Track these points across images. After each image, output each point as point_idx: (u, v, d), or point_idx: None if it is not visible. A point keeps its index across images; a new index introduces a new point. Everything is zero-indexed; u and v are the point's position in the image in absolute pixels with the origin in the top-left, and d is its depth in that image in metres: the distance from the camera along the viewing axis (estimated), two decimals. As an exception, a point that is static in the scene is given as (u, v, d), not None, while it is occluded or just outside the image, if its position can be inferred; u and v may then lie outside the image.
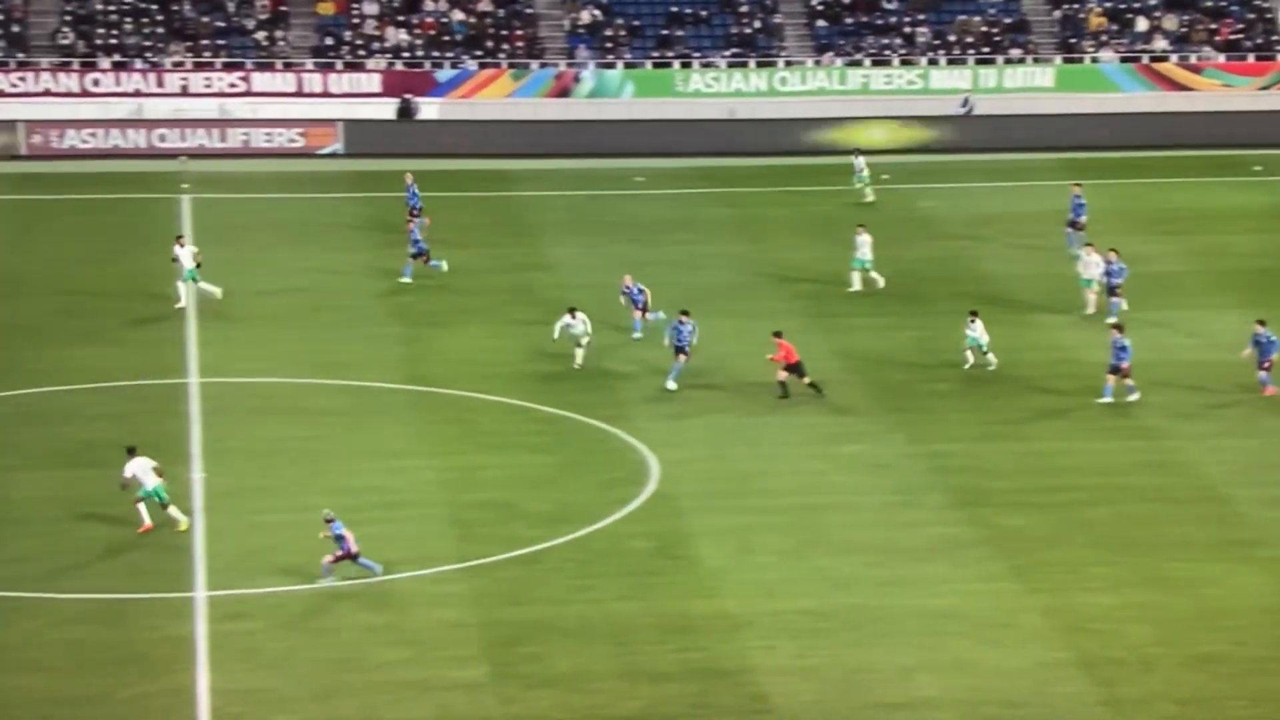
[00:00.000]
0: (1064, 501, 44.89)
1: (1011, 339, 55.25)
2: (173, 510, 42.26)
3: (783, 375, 50.55)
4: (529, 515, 43.91)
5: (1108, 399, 50.54)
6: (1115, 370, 50.48)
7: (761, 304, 59.26)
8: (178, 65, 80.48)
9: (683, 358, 51.10)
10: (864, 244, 60.21)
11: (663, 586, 40.64)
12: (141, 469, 42.24)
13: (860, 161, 71.73)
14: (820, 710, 35.87)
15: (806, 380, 50.73)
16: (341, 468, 46.36)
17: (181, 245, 56.98)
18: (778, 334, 51.06)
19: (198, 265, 56.73)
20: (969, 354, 53.04)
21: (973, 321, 52.88)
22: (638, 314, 54.80)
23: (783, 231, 67.72)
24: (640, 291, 55.13)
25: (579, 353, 52.31)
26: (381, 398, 50.91)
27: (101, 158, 76.29)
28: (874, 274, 60.21)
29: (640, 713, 35.74)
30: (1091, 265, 57.88)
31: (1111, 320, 54.83)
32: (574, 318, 52.23)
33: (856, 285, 60.13)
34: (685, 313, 51.29)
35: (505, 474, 46.22)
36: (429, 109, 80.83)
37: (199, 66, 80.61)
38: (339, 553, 39.96)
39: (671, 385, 50.89)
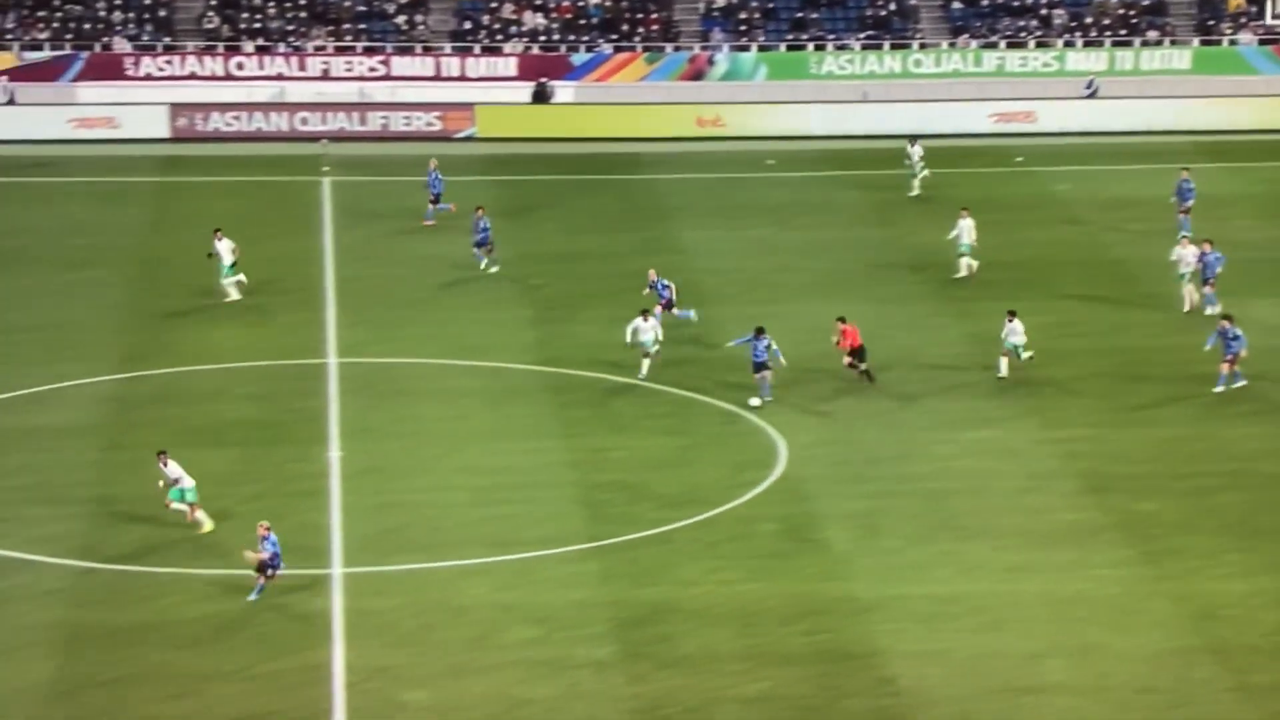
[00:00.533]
0: (1195, 488, 44.48)
1: (1143, 324, 54.75)
2: (199, 513, 41.85)
3: (848, 360, 50.25)
4: (658, 496, 44.03)
5: (1220, 388, 49.89)
6: (1229, 360, 49.79)
7: (893, 288, 59.05)
8: (319, 49, 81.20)
9: (767, 373, 48.87)
10: (966, 228, 59.61)
11: (790, 569, 40.64)
12: (178, 471, 41.76)
13: (916, 150, 69.60)
14: (947, 694, 35.75)
15: (863, 367, 50.23)
16: (475, 448, 46.66)
17: (220, 239, 56.59)
18: (842, 319, 50.73)
19: (234, 261, 56.42)
20: (1003, 361, 50.65)
21: (1010, 321, 50.73)
22: (659, 309, 53.28)
23: (914, 215, 67.38)
24: (665, 286, 54.01)
25: (645, 364, 50.42)
26: (514, 379, 51.20)
27: (244, 140, 77.11)
28: (971, 260, 59.60)
29: (766, 694, 35.78)
30: (1187, 257, 56.16)
31: (1216, 311, 53.89)
32: (645, 321, 50.62)
33: (963, 271, 59.60)
34: (760, 330, 49.00)
35: (635, 455, 46.37)
36: (564, 92, 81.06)
37: (340, 50, 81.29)
38: (264, 566, 38.65)
39: (756, 402, 48.79)
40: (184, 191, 69.97)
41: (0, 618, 38.04)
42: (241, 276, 56.75)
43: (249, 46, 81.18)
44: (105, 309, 55.99)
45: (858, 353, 50.24)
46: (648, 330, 50.37)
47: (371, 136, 78.00)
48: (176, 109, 77.76)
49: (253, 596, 38.74)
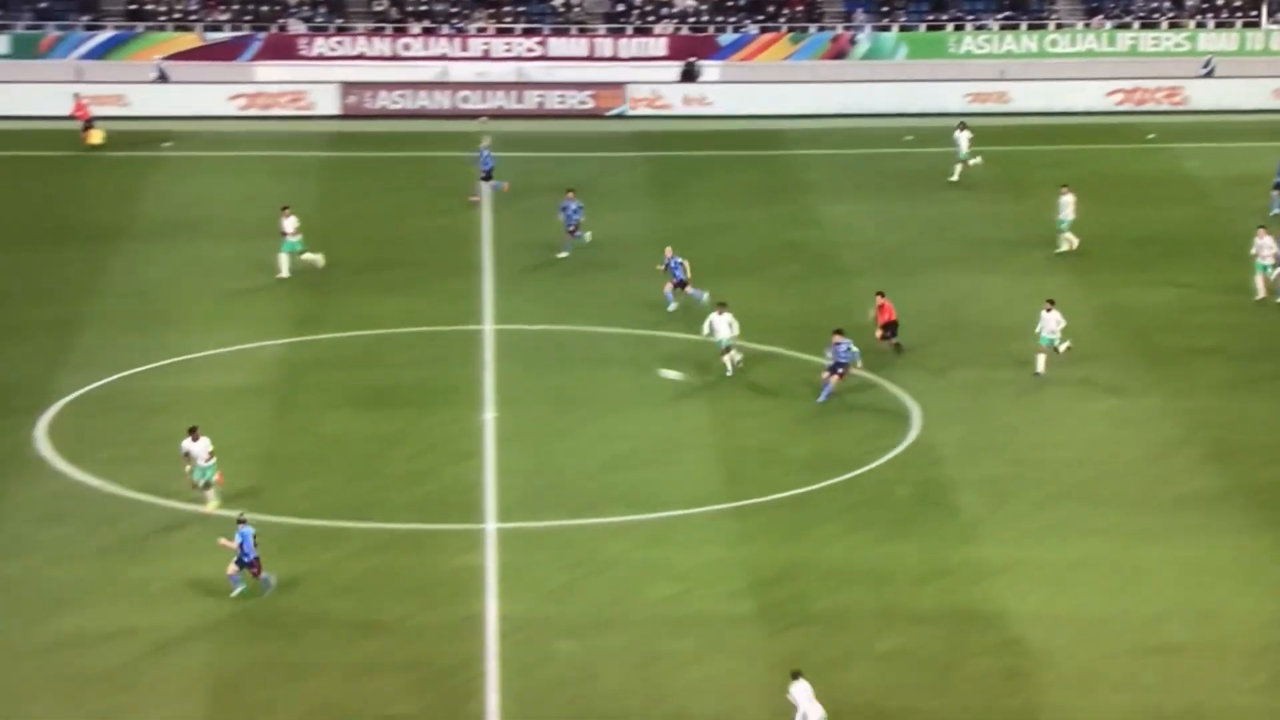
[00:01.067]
0: (1318, 457, 43.81)
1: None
2: (209, 492, 41.05)
3: (880, 334, 49.54)
4: (795, 460, 43.90)
5: None
6: None
7: (1026, 260, 58.43)
8: (481, 31, 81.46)
9: (836, 378, 46.70)
10: (1067, 204, 58.72)
11: (922, 531, 40.43)
12: (200, 450, 40.85)
13: (963, 136, 67.45)
14: (1072, 655, 35.47)
15: (894, 340, 49.47)
16: (621, 412, 46.72)
17: (286, 216, 56.16)
18: (881, 293, 50.02)
19: (299, 236, 55.93)
20: (1040, 358, 48.30)
21: (1047, 311, 48.40)
22: (670, 287, 52.77)
23: (1048, 190, 66.59)
24: (679, 265, 53.03)
25: (726, 361, 48.28)
26: (660, 346, 51.15)
27: (409, 117, 77.52)
28: (1070, 235, 58.72)
29: (898, 650, 35.65)
30: (1264, 248, 54.15)
31: None
32: (721, 315, 48.45)
33: (1063, 246, 58.69)
34: (840, 331, 47.06)
35: (773, 421, 46.26)
36: (711, 71, 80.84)
37: (500, 32, 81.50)
38: (240, 558, 37.25)
39: (821, 400, 46.98)
40: (352, 166, 70.44)
41: (177, 566, 38.60)
42: (317, 258, 56.06)
43: (415, 28, 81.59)
44: (269, 278, 56.41)
45: (891, 326, 49.58)
46: (721, 325, 48.37)
47: (528, 114, 78.17)
48: (347, 87, 78.28)
49: (235, 585, 37.27)
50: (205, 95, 76.94)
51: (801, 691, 32.27)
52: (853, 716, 33.49)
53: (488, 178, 64.01)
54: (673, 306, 53.02)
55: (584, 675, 34.66)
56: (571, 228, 58.34)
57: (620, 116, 78.25)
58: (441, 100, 78.44)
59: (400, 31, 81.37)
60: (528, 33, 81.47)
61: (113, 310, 53.48)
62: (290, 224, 55.93)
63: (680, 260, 53.41)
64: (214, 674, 34.80)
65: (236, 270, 57.11)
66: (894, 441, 44.91)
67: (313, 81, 78.34)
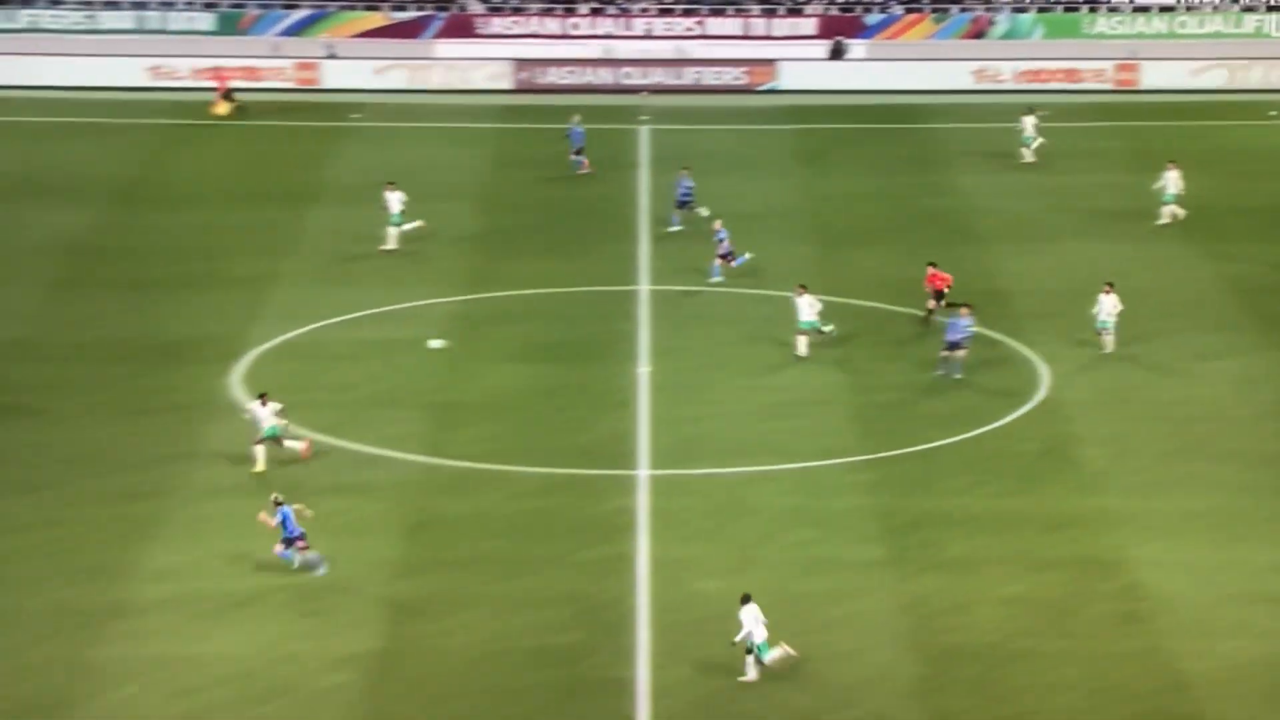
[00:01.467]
0: None
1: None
2: (288, 442, 40.43)
3: (931, 304, 48.42)
4: (928, 416, 43.39)
5: None
6: None
7: (1150, 230, 57.28)
8: (644, 11, 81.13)
9: (960, 353, 44.81)
10: (1172, 179, 57.21)
11: (1048, 484, 39.85)
12: (265, 414, 40.25)
13: (1028, 121, 65.32)
14: (1188, 600, 34.90)
15: (938, 306, 47.85)
16: (765, 368, 46.37)
17: (391, 190, 55.33)
18: (933, 264, 48.89)
19: (403, 210, 54.97)
20: (1108, 340, 46.54)
21: (1106, 294, 46.55)
22: (719, 261, 51.60)
23: (1167, 163, 65.32)
24: (724, 238, 51.66)
25: (800, 341, 46.35)
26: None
27: (575, 92, 77.39)
28: (1175, 208, 57.30)
29: (1022, 595, 35.18)
30: None
31: None
32: (801, 297, 46.52)
33: (1165, 219, 57.09)
34: (966, 305, 45.53)
35: (908, 378, 45.73)
36: (858, 49, 79.96)
37: (662, 12, 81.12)
38: (285, 536, 35.86)
39: (941, 372, 45.14)
40: (523, 137, 70.47)
41: (356, 505, 38.88)
42: (416, 223, 55.06)
43: (583, 9, 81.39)
44: (454, 238, 56.72)
45: (941, 296, 48.40)
46: (804, 307, 46.51)
47: (685, 89, 77.78)
48: (519, 64, 78.32)
49: (289, 561, 35.89)
50: (393, 70, 77.25)
51: (749, 614, 32.34)
52: (976, 656, 33.15)
53: (579, 152, 63.42)
54: (718, 278, 51.98)
55: (727, 612, 34.43)
56: (683, 203, 57.24)
57: (771, 91, 77.64)
58: (605, 76, 78.24)
59: (569, 12, 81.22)
60: (687, 13, 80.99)
61: (305, 267, 53.90)
62: (396, 199, 55.33)
63: (725, 233, 52.43)
64: (386, 605, 35.02)
65: (416, 232, 57.32)
66: (1022, 400, 44.24)
67: (487, 58, 78.42)
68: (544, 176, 63.88)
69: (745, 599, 32.61)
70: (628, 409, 43.80)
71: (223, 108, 71.46)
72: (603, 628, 34.10)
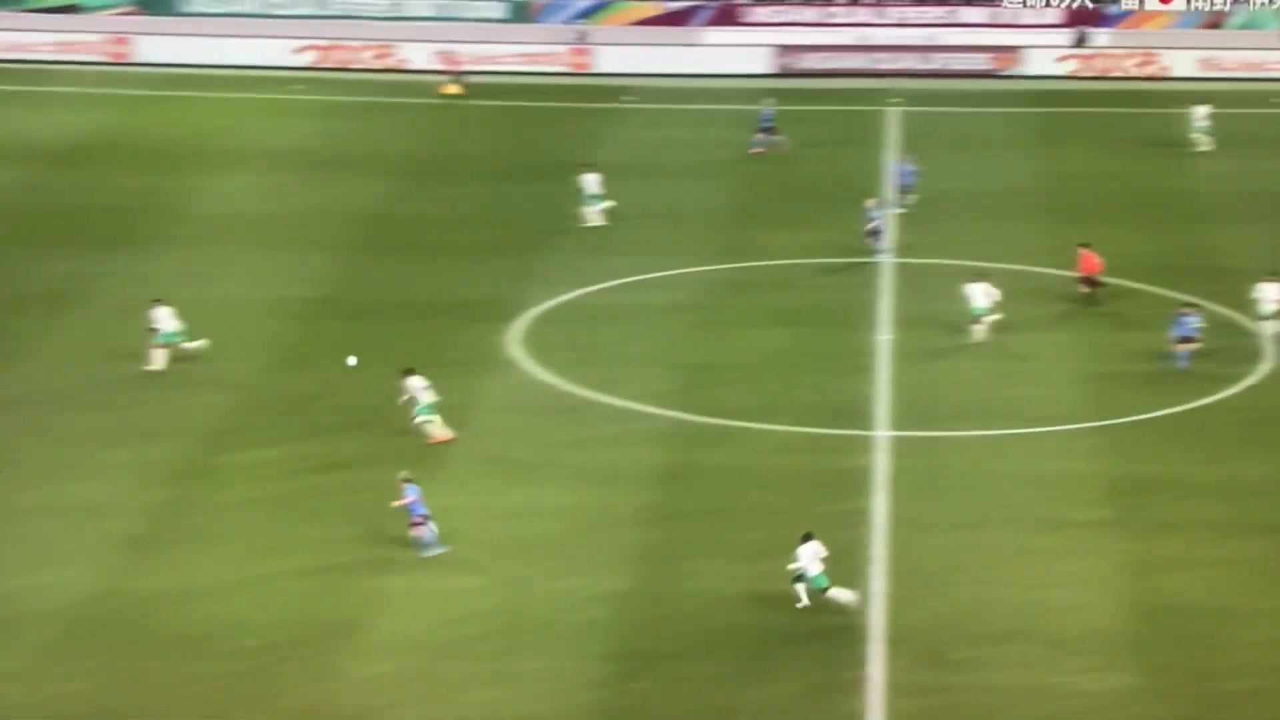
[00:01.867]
0: None
1: None
2: (437, 422, 39.33)
3: (1084, 289, 46.79)
4: (1154, 385, 42.24)
5: None
6: None
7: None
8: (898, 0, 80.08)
9: (1191, 346, 42.85)
10: None
11: (1270, 452, 38.53)
12: (417, 386, 39.34)
13: (1199, 111, 62.82)
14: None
15: (1087, 291, 46.59)
16: (1004, 335, 45.32)
17: (588, 174, 54.72)
18: (1085, 245, 47.09)
19: (599, 191, 54.43)
20: (1266, 325, 44.51)
21: (1271, 281, 44.66)
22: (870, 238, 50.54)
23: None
24: (877, 217, 50.59)
25: (977, 330, 44.71)
26: (1034, 281, 49.58)
27: (830, 76, 76.74)
28: None
29: (1239, 557, 34.25)
30: None
31: None
32: (977, 284, 44.86)
33: None
34: (1191, 305, 43.89)
35: (1134, 349, 44.54)
36: (1100, 38, 77.95)
37: (916, 1, 79.97)
38: (413, 519, 34.71)
39: (1183, 367, 43.11)
40: (784, 119, 69.60)
41: (615, 455, 39.17)
42: (609, 203, 54.43)
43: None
44: (710, 211, 56.70)
45: (1093, 282, 46.90)
46: (979, 295, 44.67)
47: (934, 74, 76.64)
48: (780, 50, 77.98)
49: (433, 551, 34.57)
50: (656, 55, 77.49)
51: (809, 550, 32.41)
52: (1193, 613, 32.37)
53: (768, 133, 62.55)
54: (878, 249, 51.22)
55: (956, 565, 34.14)
56: (903, 189, 56.00)
57: (1015, 76, 76.09)
58: (859, 61, 77.45)
59: (827, 2, 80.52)
60: (939, 2, 79.73)
61: (575, 237, 54.36)
62: (593, 181, 54.92)
63: (879, 213, 51.47)
64: (638, 548, 35.24)
65: (677, 204, 57.52)
66: (1246, 372, 42.84)
67: (751, 45, 78.16)
68: (796, 155, 63.46)
69: (806, 537, 32.72)
70: (868, 373, 43.41)
71: (452, 88, 72.37)
72: (842, 574, 33.81)
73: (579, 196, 54.82)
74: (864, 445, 39.43)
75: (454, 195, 58.86)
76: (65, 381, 42.65)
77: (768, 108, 63.76)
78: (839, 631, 32.01)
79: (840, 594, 32.45)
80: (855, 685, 30.25)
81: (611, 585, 33.66)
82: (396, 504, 34.82)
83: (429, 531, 34.57)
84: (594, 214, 54.63)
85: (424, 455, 38.65)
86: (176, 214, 56.13)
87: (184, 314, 43.99)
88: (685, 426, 40.61)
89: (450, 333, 46.20)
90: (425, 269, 51.31)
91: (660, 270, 51.14)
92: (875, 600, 32.91)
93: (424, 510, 34.52)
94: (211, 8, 78.85)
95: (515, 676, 30.61)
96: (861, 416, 40.92)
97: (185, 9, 78.84)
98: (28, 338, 45.64)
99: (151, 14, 78.43)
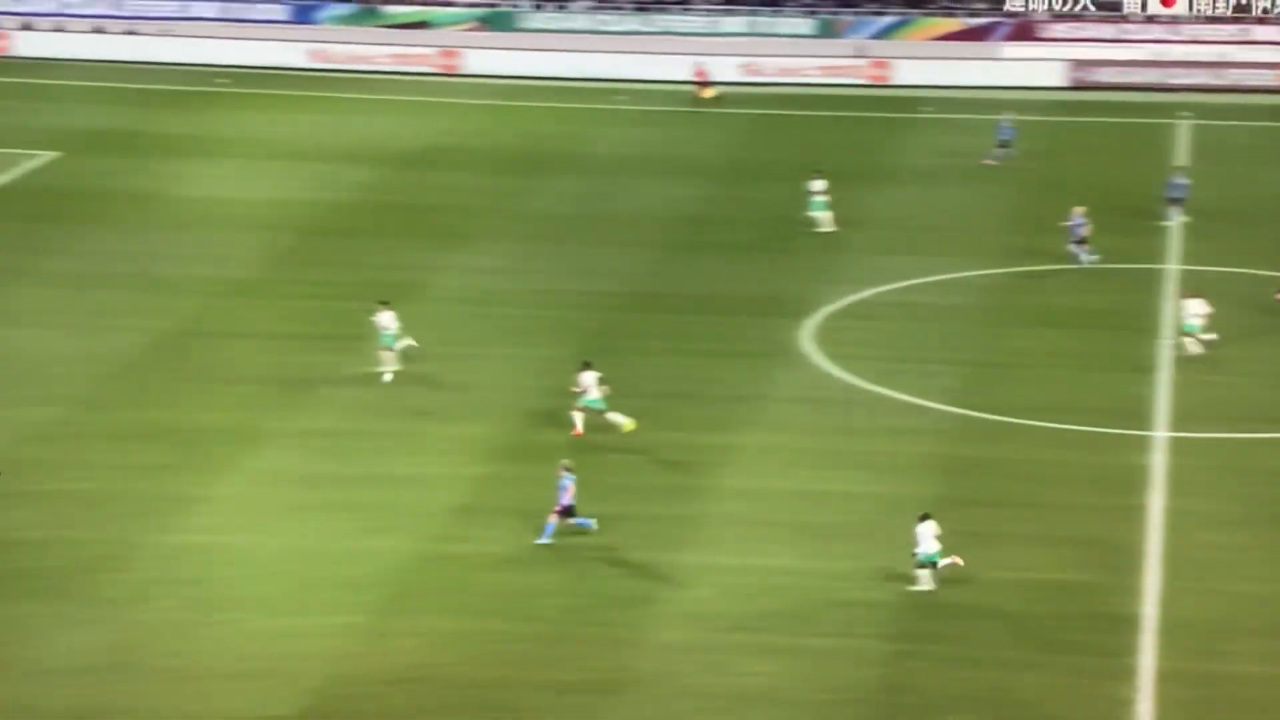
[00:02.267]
0: None
1: None
2: (611, 415, 38.39)
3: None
4: None
5: None
6: None
7: None
8: (1194, 18, 77.25)
9: None
10: None
11: None
12: (591, 381, 38.44)
13: None
14: None
15: None
16: (1273, 342, 43.38)
17: (815, 179, 53.28)
18: None
19: (825, 198, 53.00)
20: (1189, 341, 42.62)
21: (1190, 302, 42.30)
22: (1073, 246, 48.62)
23: None
24: (1080, 225, 48.67)
25: (1187, 343, 42.96)
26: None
27: (1121, 90, 74.50)
28: None
29: None
30: None
31: None
32: (1193, 300, 43.17)
33: None
34: None
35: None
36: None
37: (1210, 20, 77.04)
38: (557, 507, 33.76)
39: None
40: (1075, 129, 68.30)
41: (898, 447, 38.73)
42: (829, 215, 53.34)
43: (1137, 16, 78.12)
44: (998, 216, 55.56)
45: None
46: (1192, 311, 42.84)
47: (1224, 89, 73.84)
48: (1074, 64, 76.12)
49: (542, 539, 33.64)
50: (957, 69, 76.34)
51: (926, 530, 31.86)
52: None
53: (1004, 146, 60.68)
54: (1086, 259, 49.26)
55: (1230, 561, 32.96)
56: (1175, 200, 53.47)
57: (1306, 91, 72.89)
58: (1151, 76, 75.07)
59: (1124, 19, 78.20)
60: (1235, 21, 76.73)
61: (868, 237, 53.83)
62: (819, 185, 53.84)
63: (1083, 220, 49.41)
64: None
65: (966, 208, 56.57)
66: None
67: (1046, 59, 76.45)
68: (1095, 165, 61.77)
69: (924, 517, 31.92)
70: (1146, 374, 42.09)
71: (709, 92, 72.04)
72: (1114, 568, 32.97)
73: (806, 202, 53.99)
74: (1143, 444, 38.26)
75: (758, 196, 58.50)
76: (401, 364, 43.30)
77: (1007, 123, 62.24)
78: (1115, 622, 31.15)
79: (950, 561, 32.02)
80: (1127, 673, 29.32)
81: (893, 569, 33.24)
82: (569, 488, 33.60)
83: (552, 523, 33.62)
84: (824, 219, 53.77)
85: (709, 441, 38.70)
86: (504, 213, 57.19)
87: (503, 302, 44.61)
88: (966, 422, 39.92)
89: (748, 326, 46.20)
90: (727, 265, 51.36)
91: (948, 272, 50.28)
92: (1148, 592, 31.89)
93: (569, 501, 33.64)
94: (549, 25, 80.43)
95: (798, 652, 30.45)
96: (1141, 416, 39.72)
97: (523, 25, 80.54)
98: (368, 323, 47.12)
99: (493, 30, 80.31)
